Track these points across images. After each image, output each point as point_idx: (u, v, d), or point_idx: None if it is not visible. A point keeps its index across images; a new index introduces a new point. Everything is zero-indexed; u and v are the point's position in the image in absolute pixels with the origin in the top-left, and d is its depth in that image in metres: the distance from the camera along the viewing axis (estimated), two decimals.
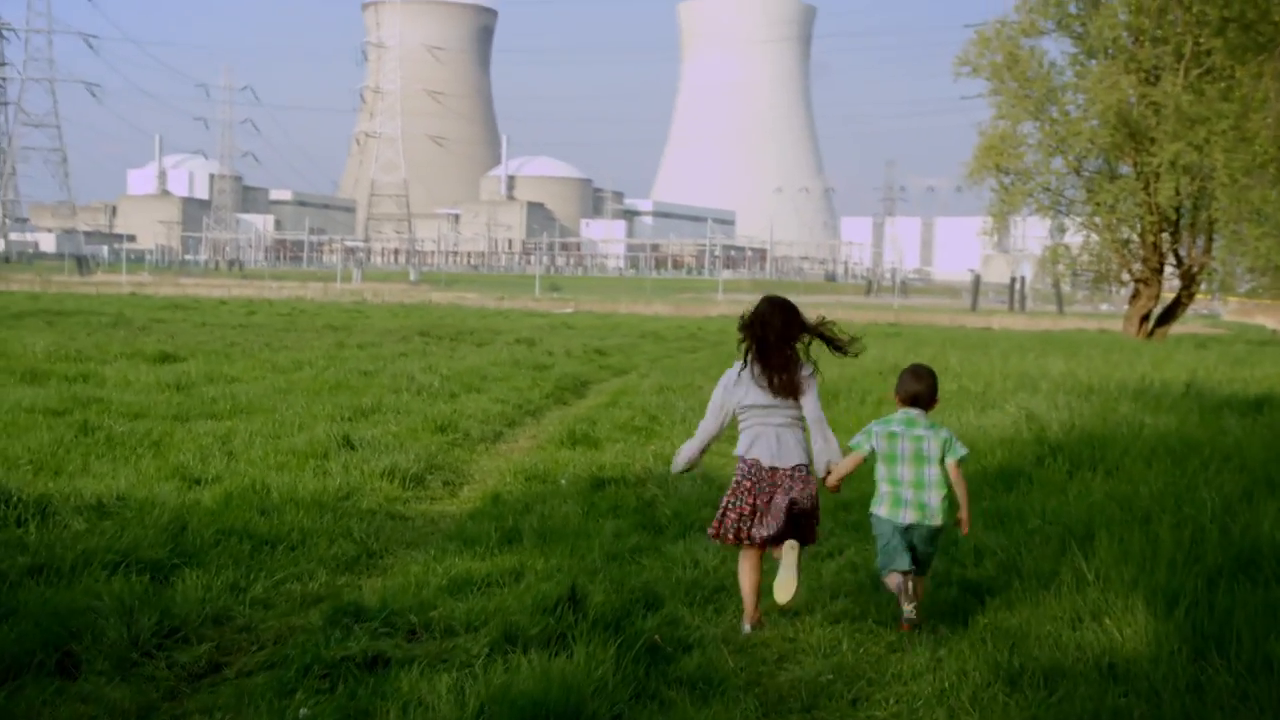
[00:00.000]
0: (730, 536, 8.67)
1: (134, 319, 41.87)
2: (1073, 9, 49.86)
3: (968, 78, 50.21)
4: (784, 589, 8.37)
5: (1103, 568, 9.29)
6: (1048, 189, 50.87)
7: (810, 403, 8.61)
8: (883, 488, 8.73)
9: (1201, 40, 44.05)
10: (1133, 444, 14.59)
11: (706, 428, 8.86)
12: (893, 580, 8.55)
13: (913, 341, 42.42)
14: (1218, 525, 10.19)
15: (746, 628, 8.60)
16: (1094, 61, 48.84)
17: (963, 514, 8.66)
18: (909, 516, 8.61)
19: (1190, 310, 59.23)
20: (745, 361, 8.66)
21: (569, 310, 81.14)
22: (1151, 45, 45.90)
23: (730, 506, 8.65)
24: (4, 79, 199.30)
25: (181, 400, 18.45)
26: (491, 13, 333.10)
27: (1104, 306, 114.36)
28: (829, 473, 8.74)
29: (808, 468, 8.65)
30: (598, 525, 11.43)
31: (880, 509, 8.72)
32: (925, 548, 8.67)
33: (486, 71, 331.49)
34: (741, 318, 8.78)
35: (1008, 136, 49.83)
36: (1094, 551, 9.67)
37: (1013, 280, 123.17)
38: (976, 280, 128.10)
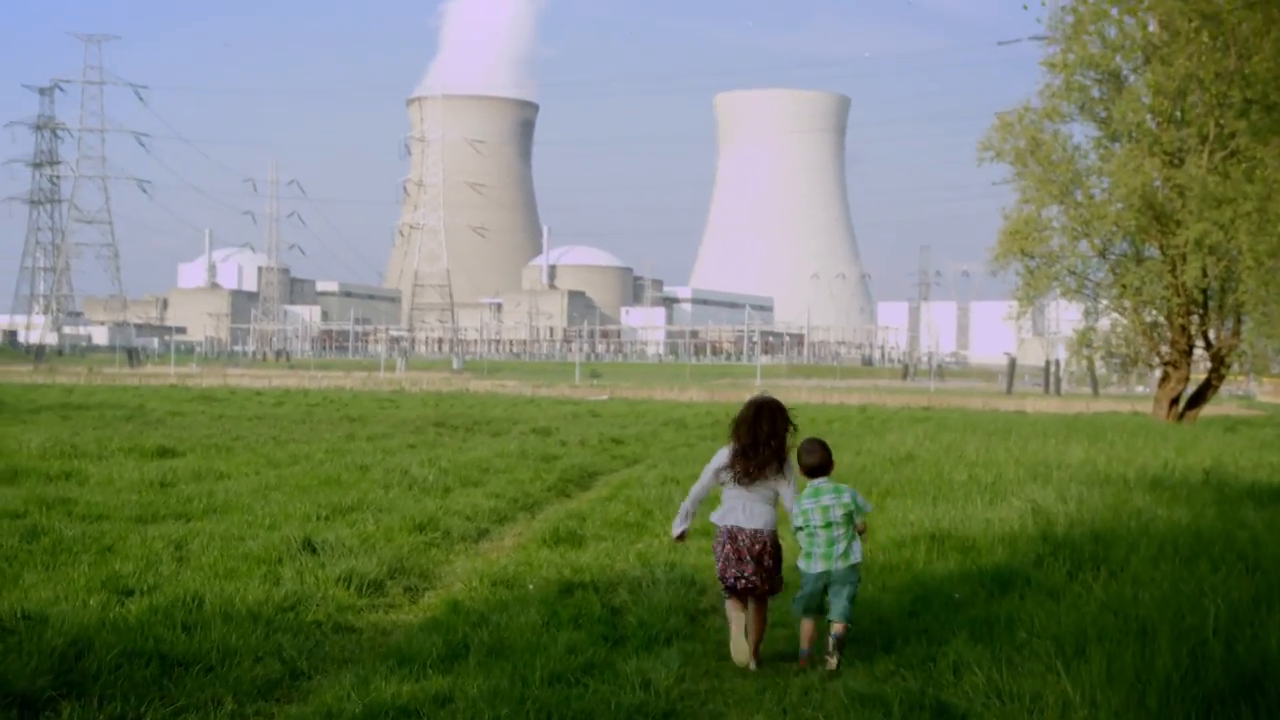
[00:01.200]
0: (721, 581, 10.46)
1: (155, 411, 41.24)
2: (1095, 94, 48.98)
3: (991, 162, 49.37)
4: (740, 652, 10.24)
5: (1090, 690, 8.24)
6: (1074, 272, 49.83)
7: (786, 492, 10.37)
8: (802, 544, 10.36)
9: (1224, 122, 43.15)
10: (1141, 540, 13.52)
11: (695, 493, 10.77)
12: (805, 626, 10.32)
13: (938, 427, 41.23)
14: (1221, 640, 9.07)
15: (752, 665, 10.20)
16: (1118, 145, 47.87)
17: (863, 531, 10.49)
18: (815, 566, 10.21)
19: (1224, 391, 57.90)
20: (731, 452, 10.40)
21: (604, 397, 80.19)
22: (1175, 128, 44.98)
23: (720, 561, 10.44)
24: (58, 176, 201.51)
25: (156, 499, 17.56)
26: (533, 106, 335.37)
27: (1139, 388, 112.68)
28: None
29: (770, 533, 10.37)
30: (554, 637, 10.41)
31: (800, 562, 10.35)
32: (844, 585, 10.16)
33: (528, 163, 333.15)
34: (733, 421, 10.54)
35: (1032, 220, 48.86)
36: (1085, 670, 8.62)
37: (1047, 363, 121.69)
38: (1012, 364, 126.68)
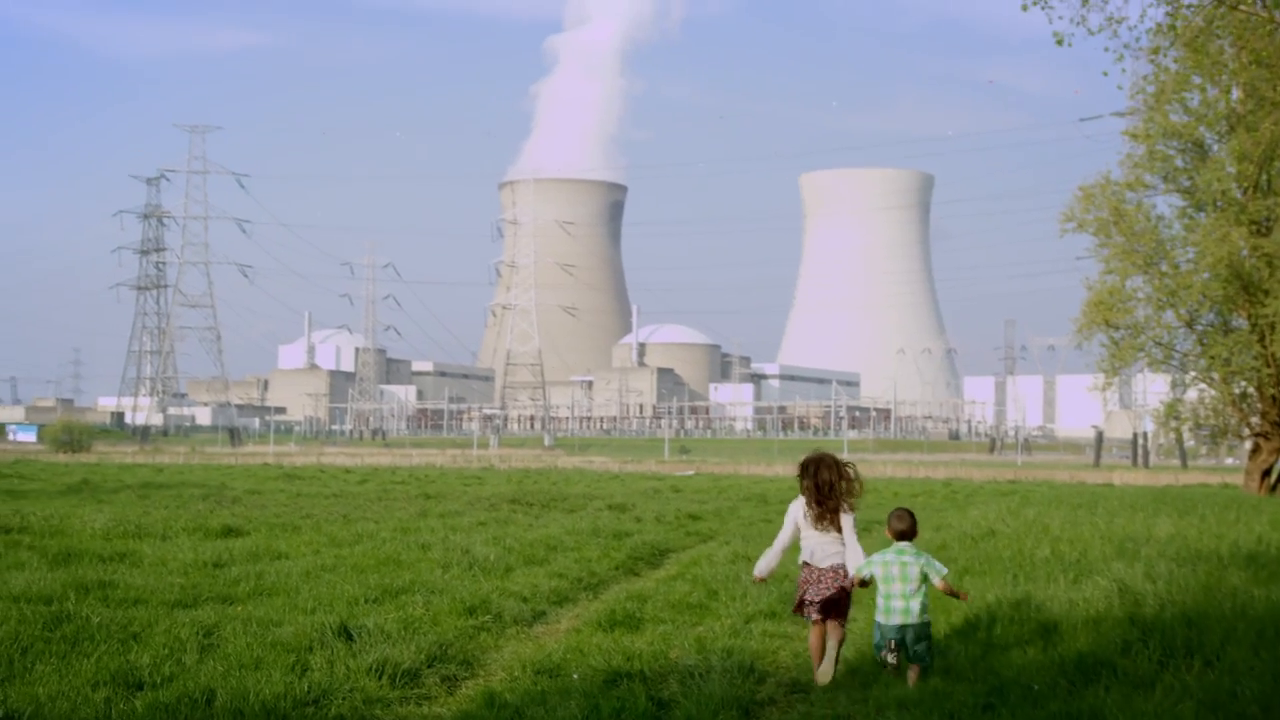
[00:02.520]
0: (798, 609, 11.97)
1: (234, 490, 40.67)
2: (1179, 163, 47.57)
3: (1074, 233, 48.02)
4: (824, 675, 11.70)
5: None
6: (1160, 343, 48.21)
7: (846, 528, 11.81)
8: (880, 601, 11.56)
9: None
10: (1237, 624, 12.23)
11: (780, 541, 12.19)
12: (889, 657, 11.46)
13: (1022, 501, 39.75)
14: None
15: (819, 681, 11.65)
16: (1203, 214, 46.36)
17: (955, 591, 11.96)
18: (894, 620, 11.42)
19: None
20: (805, 501, 11.93)
21: (690, 472, 79.06)
22: (1261, 196, 43.47)
23: (799, 590, 11.96)
24: (164, 262, 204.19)
25: (202, 581, 16.67)
26: (621, 188, 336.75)
27: (1229, 460, 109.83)
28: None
29: (840, 567, 11.79)
30: None
31: (879, 616, 11.59)
32: (916, 645, 11.44)
33: (617, 243, 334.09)
34: (804, 464, 12.07)
35: (1116, 291, 47.37)
36: None
37: (1135, 436, 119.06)
38: (1099, 436, 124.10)
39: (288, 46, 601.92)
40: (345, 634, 12.58)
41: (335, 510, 31.08)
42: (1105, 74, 29.86)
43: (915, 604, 11.34)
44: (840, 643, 11.87)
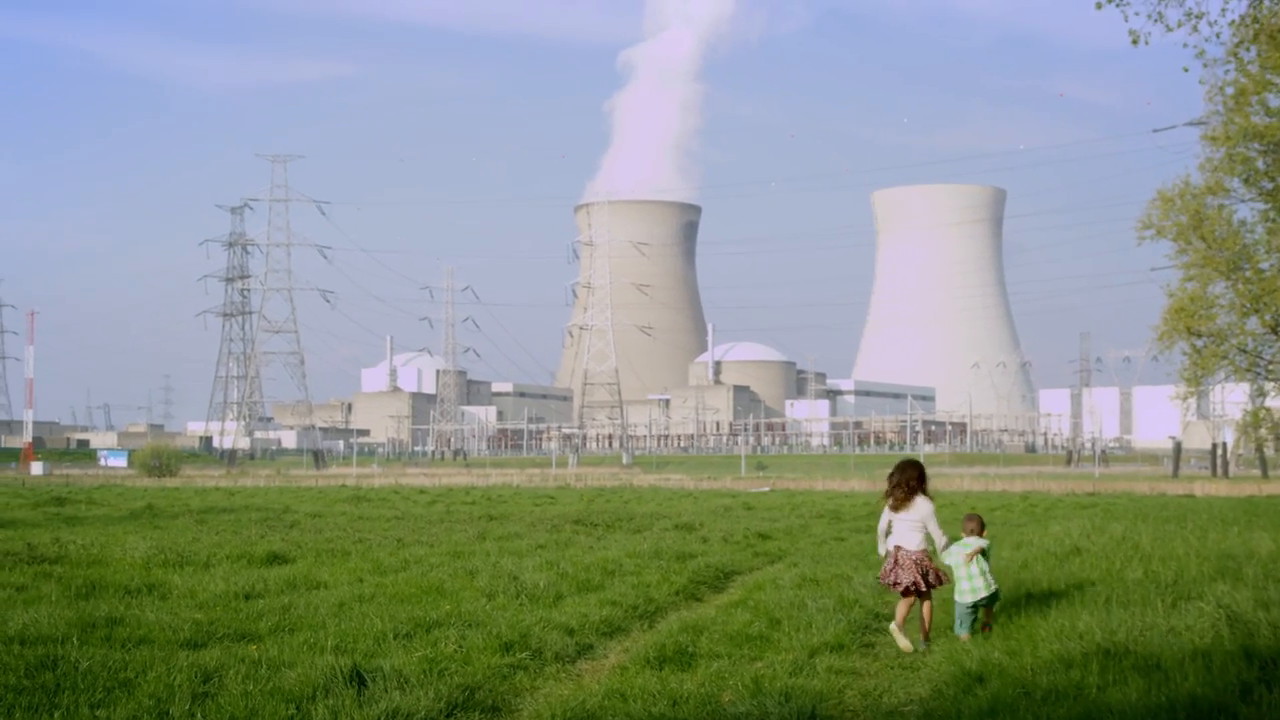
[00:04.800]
0: (886, 581, 14.73)
1: (296, 514, 39.38)
2: (1260, 165, 45.38)
3: (1152, 240, 45.89)
4: (907, 647, 14.09)
5: None
6: (1244, 350, 45.95)
7: (929, 517, 14.51)
8: (961, 584, 14.74)
9: None
10: None
11: (881, 529, 15.02)
12: (963, 635, 14.49)
13: (1104, 515, 37.73)
14: None
15: (902, 641, 14.22)
16: None
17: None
18: (969, 598, 14.67)
19: None
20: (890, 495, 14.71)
21: (765, 489, 77.26)
22: None
23: (886, 569, 14.63)
24: (248, 289, 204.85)
25: (223, 617, 15.15)
26: (695, 208, 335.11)
27: None
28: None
29: (921, 550, 14.49)
30: None
31: (957, 595, 14.77)
32: (989, 604, 14.92)
33: (691, 263, 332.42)
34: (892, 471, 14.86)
35: (1197, 298, 45.21)
36: None
37: (1214, 446, 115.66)
38: (1177, 447, 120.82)
39: (364, 75, 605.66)
40: (357, 679, 11.00)
41: (392, 534, 29.65)
42: (1185, 69, 28.16)
43: (980, 583, 14.71)
44: (929, 615, 14.77)
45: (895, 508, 14.56)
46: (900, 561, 14.42)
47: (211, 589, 17.81)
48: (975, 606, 14.66)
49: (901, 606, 14.53)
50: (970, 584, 14.64)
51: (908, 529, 14.47)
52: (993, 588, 14.80)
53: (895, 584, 14.50)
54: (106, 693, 10.70)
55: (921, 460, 16.18)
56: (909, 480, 14.52)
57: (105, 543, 25.36)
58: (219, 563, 21.97)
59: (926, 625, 14.65)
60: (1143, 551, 21.34)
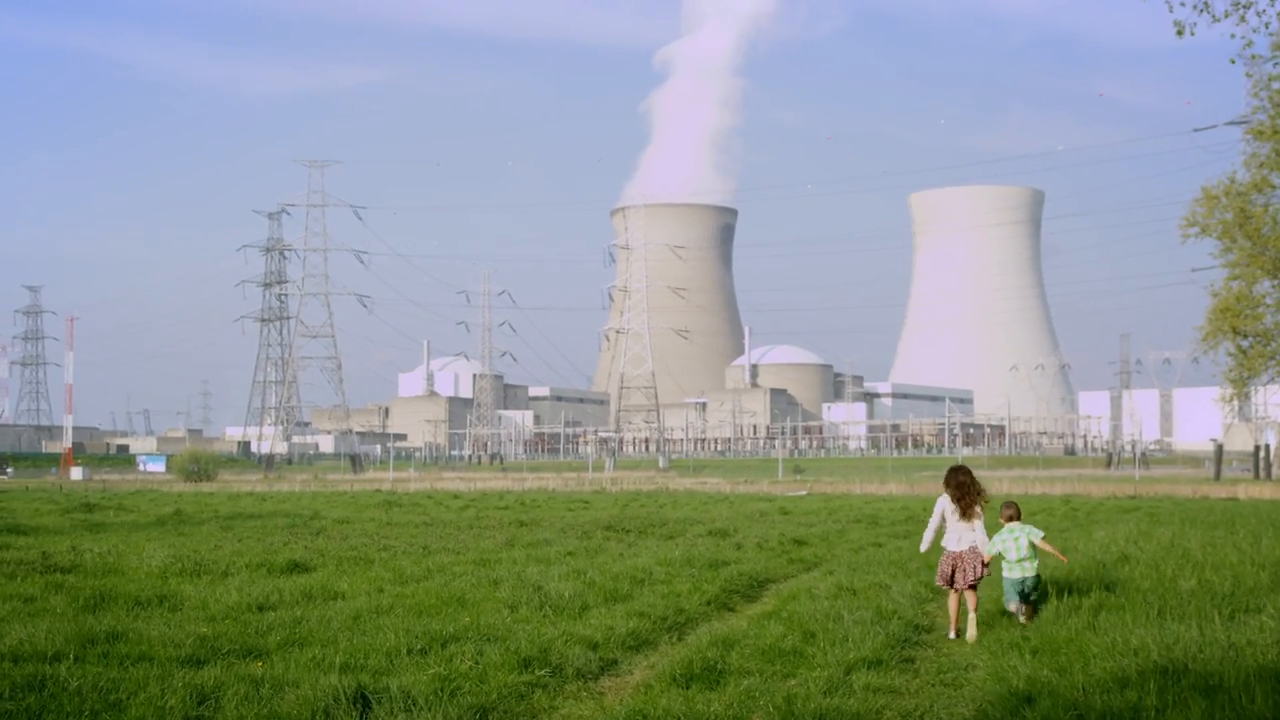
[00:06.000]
0: (943, 582, 15.93)
1: (323, 520, 38.72)
2: None
3: (1196, 239, 44.91)
4: (973, 635, 15.25)
5: None
6: None
7: (978, 523, 15.81)
8: (1005, 567, 16.13)
9: None
10: None
11: (931, 525, 16.39)
12: (1012, 606, 16.17)
13: (1149, 518, 36.74)
14: None
15: (951, 634, 15.58)
16: None
17: (1057, 554, 16.53)
18: (1015, 575, 16.05)
19: None
20: (949, 498, 15.89)
21: (802, 493, 76.25)
22: None
23: (942, 571, 15.89)
24: (285, 295, 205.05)
25: (229, 631, 14.45)
26: (731, 212, 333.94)
27: None
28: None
29: (973, 549, 15.74)
30: None
31: (1006, 573, 16.14)
32: (1032, 592, 16.22)
33: (728, 266, 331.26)
34: (947, 473, 16.19)
35: (1243, 297, 44.30)
36: None
37: (1256, 448, 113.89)
38: (1219, 449, 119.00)
39: (400, 81, 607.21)
40: (361, 700, 10.30)
41: (419, 541, 28.94)
42: (1232, 61, 27.19)
43: (1029, 564, 16.00)
44: (977, 606, 15.70)
45: (965, 516, 15.71)
46: (965, 561, 15.61)
47: (224, 600, 17.15)
48: (1023, 582, 15.94)
49: (953, 604, 15.74)
50: (1018, 564, 15.97)
51: (972, 534, 15.71)
52: (1035, 571, 16.09)
53: (959, 584, 15.59)
54: (93, 716, 10.04)
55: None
56: (979, 490, 15.89)
57: (124, 551, 24.76)
58: (237, 571, 21.33)
59: (975, 613, 15.61)
60: (1194, 559, 20.47)
